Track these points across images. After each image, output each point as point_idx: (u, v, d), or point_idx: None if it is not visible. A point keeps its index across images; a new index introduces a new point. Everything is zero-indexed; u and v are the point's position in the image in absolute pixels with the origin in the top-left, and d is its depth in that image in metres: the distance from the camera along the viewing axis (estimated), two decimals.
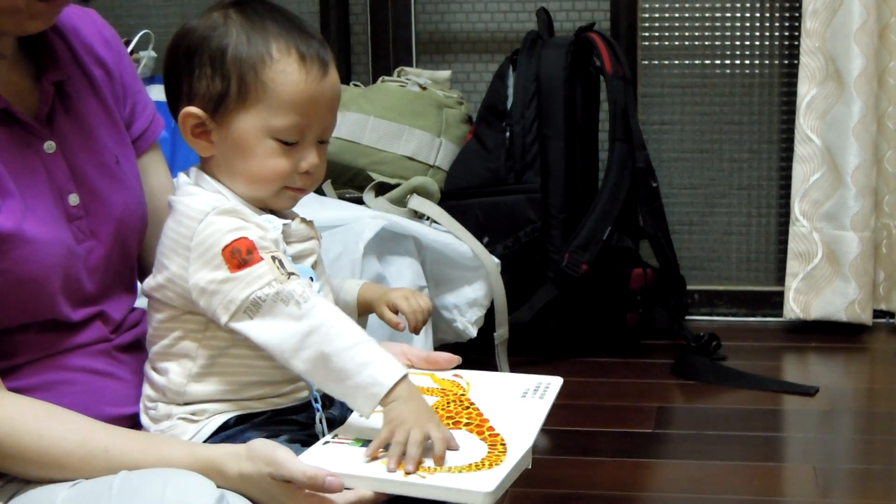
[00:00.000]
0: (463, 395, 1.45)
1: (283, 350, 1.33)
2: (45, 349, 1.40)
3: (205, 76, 1.40)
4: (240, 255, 1.34)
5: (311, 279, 1.42)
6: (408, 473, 1.25)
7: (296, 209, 1.51)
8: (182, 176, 1.46)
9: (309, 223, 1.49)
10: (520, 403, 1.43)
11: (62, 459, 1.31)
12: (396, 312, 1.61)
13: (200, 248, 1.35)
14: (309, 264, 1.45)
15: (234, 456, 1.29)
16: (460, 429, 1.36)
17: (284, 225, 1.43)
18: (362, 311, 1.64)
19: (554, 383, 1.48)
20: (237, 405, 1.40)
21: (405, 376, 1.32)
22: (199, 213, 1.37)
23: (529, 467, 1.33)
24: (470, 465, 1.27)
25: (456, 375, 1.51)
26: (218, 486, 1.27)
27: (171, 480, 1.24)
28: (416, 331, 1.61)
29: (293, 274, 1.35)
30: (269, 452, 1.27)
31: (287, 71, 1.38)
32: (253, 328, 1.34)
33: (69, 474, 1.31)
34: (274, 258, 1.35)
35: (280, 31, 1.40)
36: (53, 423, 1.32)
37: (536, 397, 1.44)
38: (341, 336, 1.32)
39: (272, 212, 1.44)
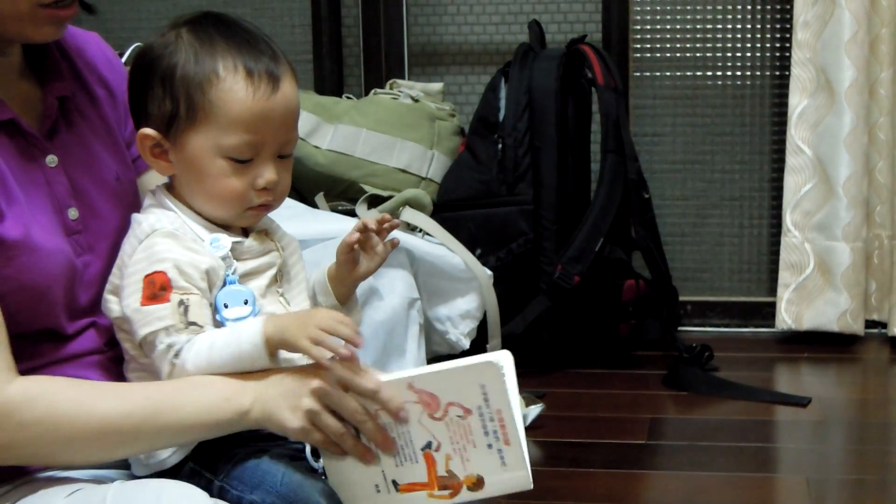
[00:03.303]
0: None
1: None
2: (40, 358, 1.41)
3: (157, 97, 1.41)
4: (153, 288, 1.36)
5: (246, 301, 1.42)
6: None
7: (284, 222, 1.52)
8: (148, 194, 1.48)
9: (268, 234, 1.49)
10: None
11: (105, 420, 1.31)
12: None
13: (133, 267, 1.38)
14: (267, 278, 1.46)
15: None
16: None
17: (236, 243, 1.43)
18: (337, 288, 1.58)
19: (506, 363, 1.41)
20: None
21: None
22: (142, 234, 1.40)
23: (531, 486, 1.34)
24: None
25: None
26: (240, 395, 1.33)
27: (166, 490, 1.25)
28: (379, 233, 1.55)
29: (193, 324, 1.36)
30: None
31: (234, 89, 1.38)
32: (151, 360, 1.38)
33: (112, 438, 1.32)
34: (181, 303, 1.36)
35: (228, 49, 1.39)
36: (86, 388, 1.34)
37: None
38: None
39: (228, 227, 1.45)
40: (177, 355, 1.35)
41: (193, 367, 1.35)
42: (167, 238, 1.38)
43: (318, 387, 1.31)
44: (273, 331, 1.33)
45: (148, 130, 1.41)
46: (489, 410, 1.30)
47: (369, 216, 1.56)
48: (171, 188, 1.46)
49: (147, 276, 1.36)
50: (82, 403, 1.31)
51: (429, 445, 1.33)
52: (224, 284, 1.40)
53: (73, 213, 1.44)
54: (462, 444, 1.32)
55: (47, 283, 1.37)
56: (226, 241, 1.42)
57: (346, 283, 1.57)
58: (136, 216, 1.43)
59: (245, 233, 1.47)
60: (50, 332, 1.42)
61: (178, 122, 1.40)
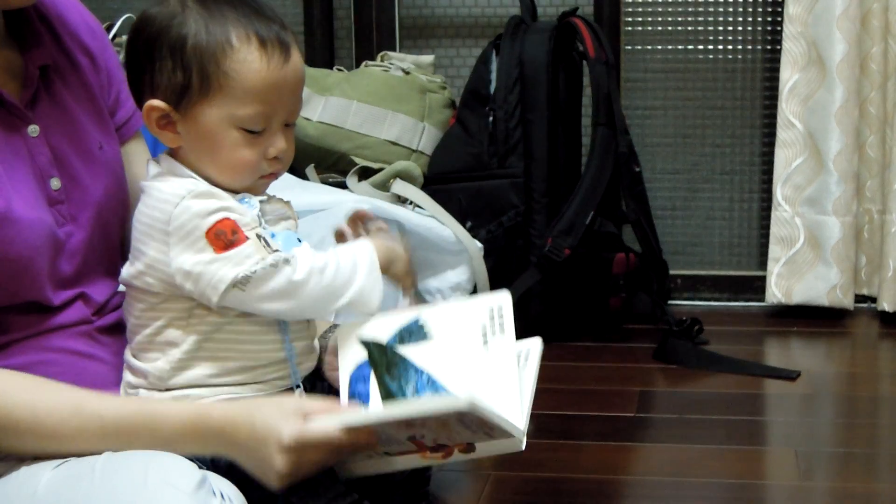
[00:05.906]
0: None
1: (291, 308, 1.37)
2: (27, 329, 1.41)
3: (166, 68, 1.39)
4: (225, 237, 1.34)
5: (300, 240, 1.43)
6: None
7: (277, 193, 1.51)
8: (152, 164, 1.45)
9: (286, 203, 1.49)
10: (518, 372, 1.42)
11: (56, 429, 1.31)
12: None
13: (181, 231, 1.35)
14: None
15: (231, 424, 1.31)
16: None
17: (262, 202, 1.43)
18: None
19: (533, 348, 1.47)
20: (219, 390, 1.40)
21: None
22: (175, 197, 1.36)
23: (522, 449, 1.34)
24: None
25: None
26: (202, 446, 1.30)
27: (154, 461, 1.25)
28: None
29: (278, 251, 1.37)
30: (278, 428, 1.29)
31: (248, 59, 1.37)
32: (248, 299, 1.36)
33: (65, 444, 1.31)
34: (259, 236, 1.36)
35: (239, 18, 1.38)
36: (45, 394, 1.33)
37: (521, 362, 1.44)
38: (328, 266, 1.39)
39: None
40: (292, 256, 1.37)
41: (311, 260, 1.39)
42: (205, 196, 1.37)
43: (288, 444, 1.28)
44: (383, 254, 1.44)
45: (156, 102, 1.40)
46: (471, 421, 1.29)
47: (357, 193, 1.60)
48: (175, 157, 1.44)
49: (210, 229, 1.34)
50: (37, 408, 1.31)
51: (413, 437, 1.34)
52: None
53: (55, 184, 1.43)
54: (446, 434, 1.32)
55: (30, 255, 1.37)
56: (254, 199, 1.42)
57: None
58: (151, 184, 1.41)
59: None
60: (36, 304, 1.41)
61: (189, 94, 1.38)
